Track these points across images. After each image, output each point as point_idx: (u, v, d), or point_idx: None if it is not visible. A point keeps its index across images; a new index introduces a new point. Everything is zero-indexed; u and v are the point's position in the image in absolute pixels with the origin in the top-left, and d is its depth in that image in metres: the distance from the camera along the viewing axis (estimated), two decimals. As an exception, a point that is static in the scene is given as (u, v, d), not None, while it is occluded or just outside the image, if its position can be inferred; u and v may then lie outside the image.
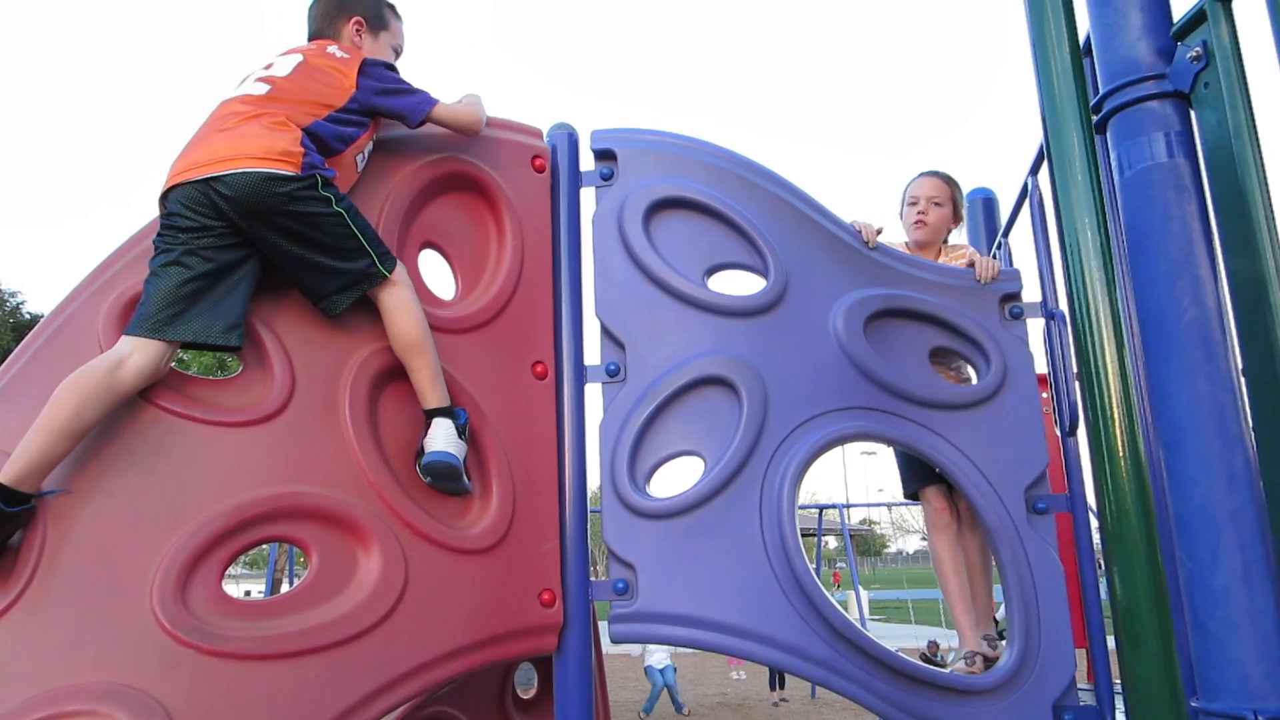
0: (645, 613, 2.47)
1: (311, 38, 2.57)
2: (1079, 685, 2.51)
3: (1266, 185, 1.66)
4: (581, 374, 2.65)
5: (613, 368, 2.65)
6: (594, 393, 2.66)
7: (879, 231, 2.76)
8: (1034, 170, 2.95)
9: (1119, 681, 2.14)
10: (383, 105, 2.40)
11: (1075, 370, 2.11)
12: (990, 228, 4.43)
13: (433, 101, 2.44)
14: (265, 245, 2.17)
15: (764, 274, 2.70)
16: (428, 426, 2.30)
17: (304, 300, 2.28)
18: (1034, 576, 2.49)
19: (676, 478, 2.62)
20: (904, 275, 2.73)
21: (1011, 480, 2.56)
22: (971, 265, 2.79)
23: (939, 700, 2.44)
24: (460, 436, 2.31)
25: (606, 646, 3.85)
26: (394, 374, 2.33)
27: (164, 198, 2.17)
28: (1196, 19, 1.78)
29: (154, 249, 2.14)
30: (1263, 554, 1.63)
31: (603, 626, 2.58)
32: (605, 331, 2.68)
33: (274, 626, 2.02)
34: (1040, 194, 2.85)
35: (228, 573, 2.13)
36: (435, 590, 2.23)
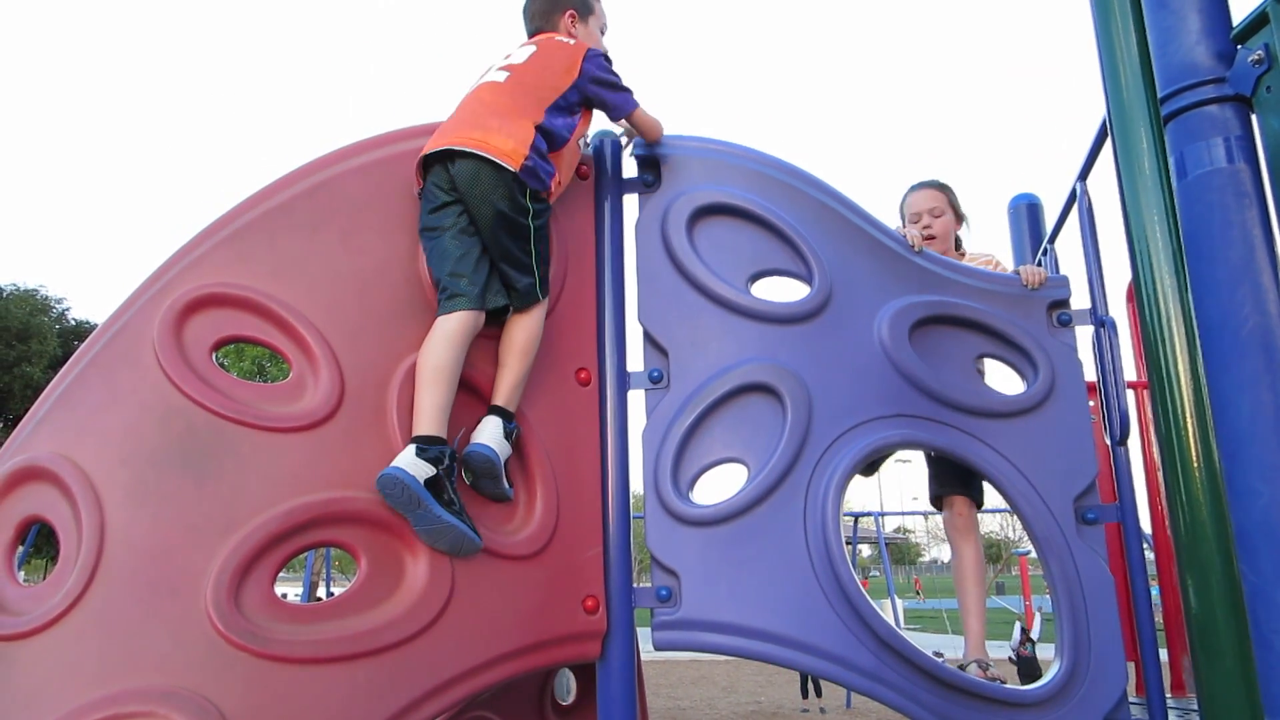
0: (689, 620, 2.46)
1: (531, 35, 2.79)
2: (1130, 699, 2.46)
3: (1332, 190, 1.62)
4: (625, 380, 2.65)
5: (656, 374, 2.65)
6: (637, 399, 2.66)
7: (929, 239, 2.74)
8: (1083, 175, 2.91)
9: (1174, 695, 2.09)
10: (595, 94, 2.61)
11: (1126, 378, 2.07)
12: (1035, 234, 4.37)
13: (635, 104, 2.67)
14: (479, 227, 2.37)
15: (808, 280, 2.69)
16: (480, 420, 2.34)
17: (351, 304, 2.31)
18: (1083, 588, 2.45)
19: (720, 485, 2.61)
20: (949, 282, 2.71)
21: (1060, 490, 2.52)
22: (1015, 273, 2.75)
23: (987, 712, 2.41)
24: (507, 439, 2.33)
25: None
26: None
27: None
28: (1258, 21, 1.74)
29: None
30: (1330, 568, 1.58)
31: (642, 633, 2.57)
32: (648, 338, 2.68)
33: (325, 630, 2.04)
34: (1089, 200, 2.81)
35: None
36: (481, 596, 2.24)
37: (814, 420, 2.58)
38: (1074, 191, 2.95)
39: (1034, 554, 2.88)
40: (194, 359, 2.17)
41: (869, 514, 15.87)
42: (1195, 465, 1.48)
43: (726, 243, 2.74)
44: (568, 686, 3.37)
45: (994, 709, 2.41)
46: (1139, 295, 1.61)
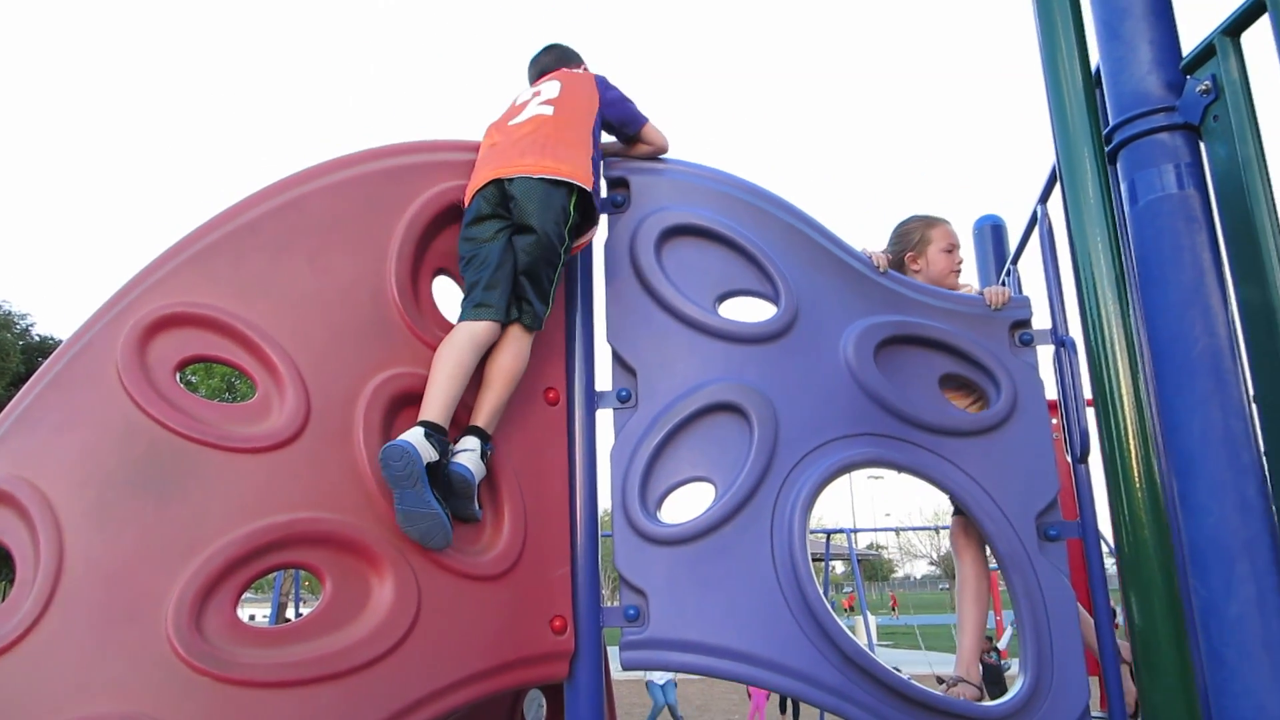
0: (656, 639, 2.47)
1: (545, 67, 2.89)
2: (1092, 713, 2.49)
3: (1276, 216, 1.68)
4: (593, 400, 2.67)
5: (624, 394, 2.66)
6: (605, 418, 2.67)
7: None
8: (1043, 198, 2.97)
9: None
10: (612, 115, 2.73)
11: (1087, 397, 2.11)
12: (999, 255, 4.45)
13: (645, 119, 2.78)
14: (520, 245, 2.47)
15: (775, 301, 2.72)
16: (458, 439, 2.35)
17: (318, 324, 2.31)
18: (1046, 603, 2.48)
19: (688, 503, 2.63)
20: (914, 302, 2.75)
21: (1023, 507, 2.56)
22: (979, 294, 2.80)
23: (952, 728, 2.43)
24: (482, 459, 2.34)
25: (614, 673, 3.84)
26: (408, 399, 2.35)
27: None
28: (1205, 53, 1.81)
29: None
30: (1276, 582, 1.62)
31: (612, 652, 2.58)
32: (617, 358, 2.69)
33: (288, 653, 2.02)
34: (1050, 222, 2.86)
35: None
36: (448, 616, 2.23)
37: (780, 439, 2.60)
38: (1035, 214, 3.01)
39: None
40: (157, 379, 2.15)
41: (841, 530, 15.91)
42: (1138, 484, 1.52)
43: (694, 263, 2.77)
44: (539, 704, 3.36)
45: (959, 725, 2.43)
46: (1084, 318, 1.65)
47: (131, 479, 2.04)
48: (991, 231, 4.53)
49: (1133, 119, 1.92)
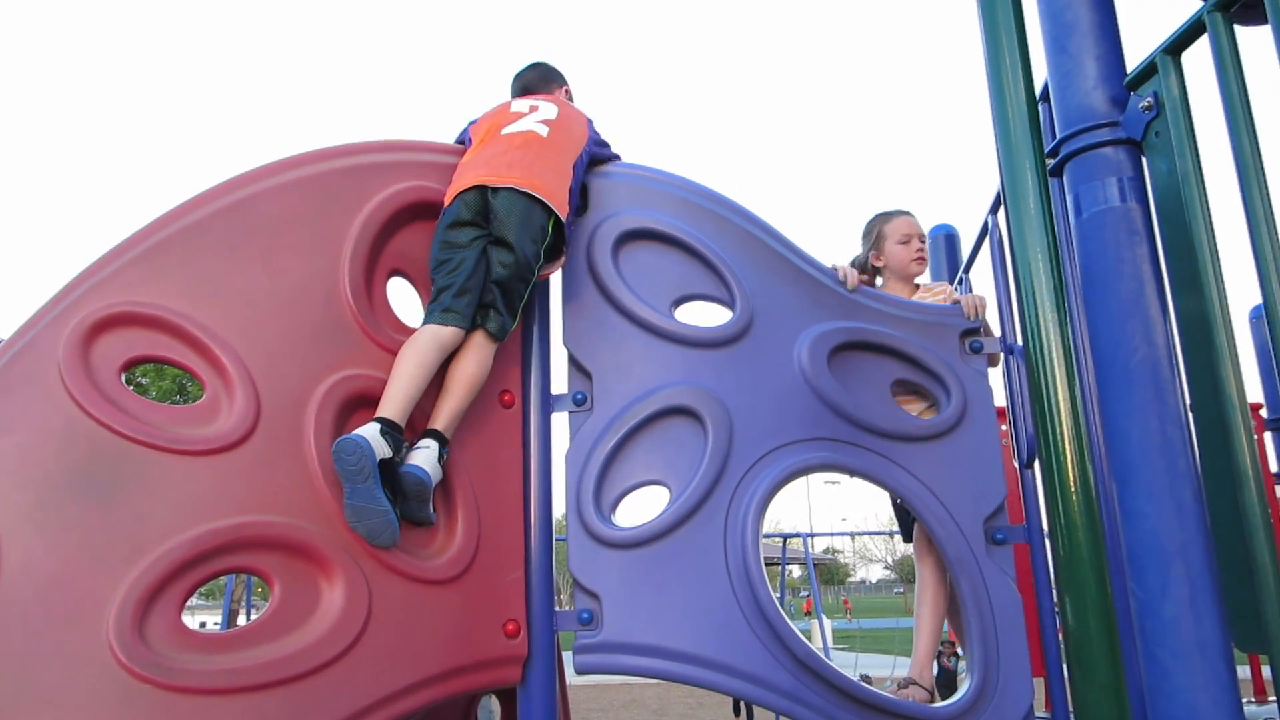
0: (610, 643, 2.47)
1: (524, 92, 2.96)
2: (1036, 714, 2.54)
3: (1213, 230, 1.73)
4: (548, 403, 2.66)
5: (579, 397, 2.66)
6: (561, 422, 2.67)
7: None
8: (994, 209, 3.03)
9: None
10: (599, 154, 2.83)
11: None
12: (952, 264, 4.53)
13: (618, 156, 2.93)
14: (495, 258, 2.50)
15: (730, 306, 2.74)
16: (415, 442, 2.33)
17: (269, 325, 2.28)
18: (993, 606, 2.53)
19: (643, 507, 2.63)
20: (867, 309, 2.78)
21: (971, 511, 2.61)
22: (955, 303, 2.84)
23: (901, 730, 2.46)
24: (439, 462, 2.33)
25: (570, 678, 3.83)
26: (361, 402, 2.33)
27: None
28: (1148, 71, 1.86)
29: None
30: (1210, 584, 1.68)
31: (567, 657, 2.57)
32: (572, 361, 2.69)
33: (235, 660, 1.99)
34: (1000, 232, 2.92)
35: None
36: (399, 621, 2.21)
37: (735, 443, 2.62)
38: (986, 224, 3.07)
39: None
40: (101, 380, 2.10)
41: (798, 535, 16.03)
42: (1073, 489, 1.56)
43: (651, 267, 2.78)
44: (489, 710, 3.34)
45: (907, 726, 2.47)
46: (1024, 326, 1.69)
47: (73, 482, 1.99)
48: (945, 241, 4.61)
49: (1079, 133, 1.97)
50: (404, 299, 2.59)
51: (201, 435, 2.14)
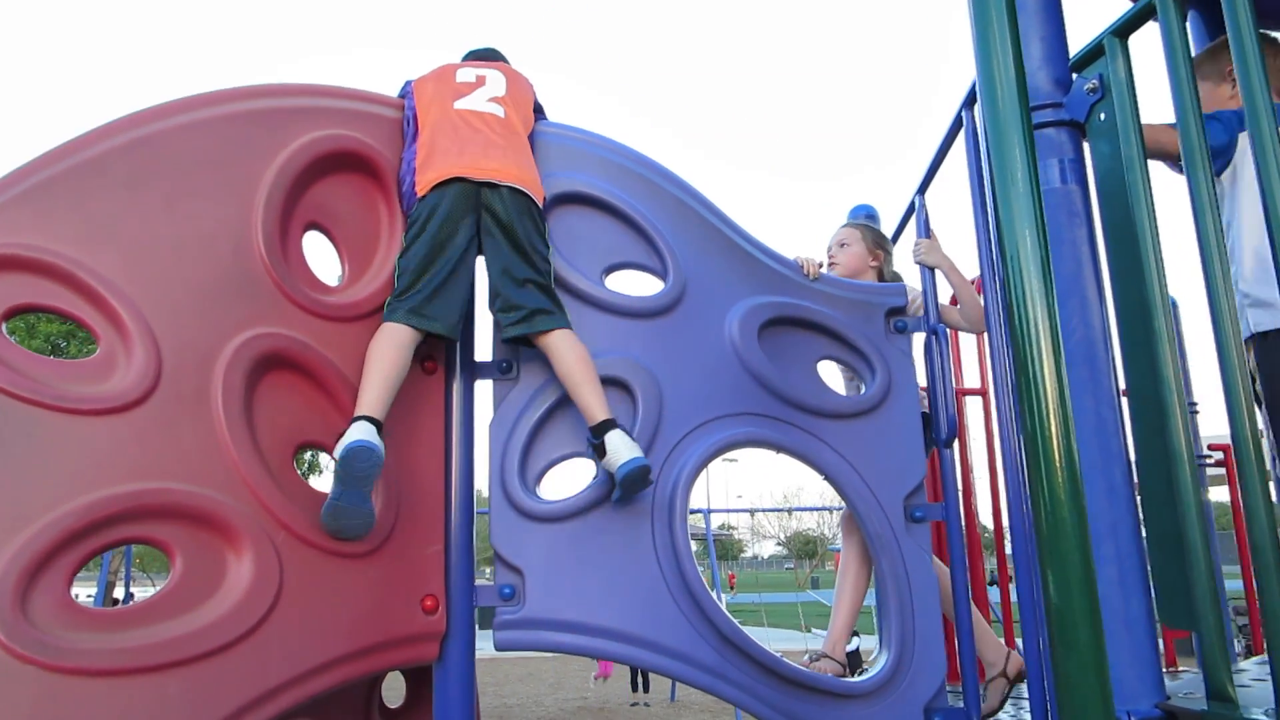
0: (533, 619, 2.39)
1: (481, 57, 2.81)
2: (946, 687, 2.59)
3: (1154, 214, 1.76)
4: (472, 370, 2.56)
5: (505, 365, 2.57)
6: (484, 390, 2.56)
7: (822, 266, 2.81)
8: (922, 189, 3.05)
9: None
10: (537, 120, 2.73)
11: (956, 385, 2.17)
12: (871, 243, 4.57)
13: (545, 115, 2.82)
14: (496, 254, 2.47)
15: (662, 276, 2.68)
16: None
17: (173, 275, 2.10)
18: (910, 583, 2.56)
19: (568, 480, 2.56)
20: (797, 285, 2.77)
21: (893, 489, 2.63)
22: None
23: (818, 704, 2.48)
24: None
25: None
26: (273, 361, 2.17)
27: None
28: (1094, 53, 1.87)
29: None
30: (1138, 564, 1.72)
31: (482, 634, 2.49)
32: (498, 326, 2.59)
33: (131, 638, 1.83)
34: (926, 212, 2.95)
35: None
36: (312, 596, 2.08)
37: (664, 416, 2.57)
38: (913, 204, 3.09)
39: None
40: (-21, 330, 1.89)
41: (698, 511, 16.23)
42: (1058, 463, 1.57)
43: (581, 233, 2.69)
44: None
45: (825, 700, 2.48)
46: (1010, 301, 1.69)
47: (-55, 441, 1.78)
48: (865, 220, 4.65)
49: (1022, 113, 1.97)
50: (321, 254, 2.44)
51: (94, 393, 1.95)
